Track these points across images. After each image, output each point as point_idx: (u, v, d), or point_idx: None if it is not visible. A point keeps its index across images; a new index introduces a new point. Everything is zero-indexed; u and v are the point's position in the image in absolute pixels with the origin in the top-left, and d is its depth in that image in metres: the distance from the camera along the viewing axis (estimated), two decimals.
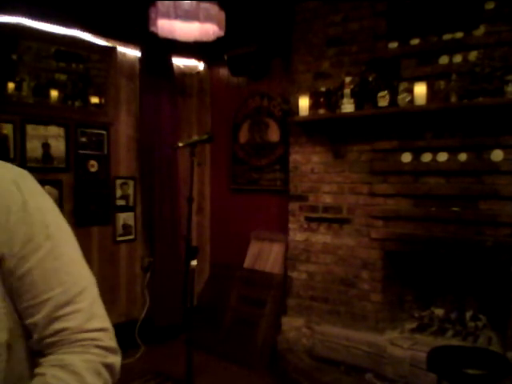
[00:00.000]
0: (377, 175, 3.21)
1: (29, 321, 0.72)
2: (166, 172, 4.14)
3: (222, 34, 2.94)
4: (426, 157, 2.99)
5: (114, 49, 3.94)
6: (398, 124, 3.06)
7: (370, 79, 3.11)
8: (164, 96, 4.13)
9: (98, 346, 0.73)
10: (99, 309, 0.76)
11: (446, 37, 2.90)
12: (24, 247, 0.70)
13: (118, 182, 4.00)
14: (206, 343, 3.81)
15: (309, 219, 3.56)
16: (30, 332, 0.73)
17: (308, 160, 3.55)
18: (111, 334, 0.76)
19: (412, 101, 2.90)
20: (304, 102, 3.38)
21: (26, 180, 0.75)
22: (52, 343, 0.72)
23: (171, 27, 2.89)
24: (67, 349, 0.71)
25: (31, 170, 0.80)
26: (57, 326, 0.71)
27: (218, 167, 4.63)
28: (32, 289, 0.71)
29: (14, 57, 3.35)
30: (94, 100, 3.87)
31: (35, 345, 0.73)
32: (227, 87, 4.52)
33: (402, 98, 2.94)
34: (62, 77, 3.66)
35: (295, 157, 3.63)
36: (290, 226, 3.67)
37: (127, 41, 3.99)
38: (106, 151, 3.91)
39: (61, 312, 0.71)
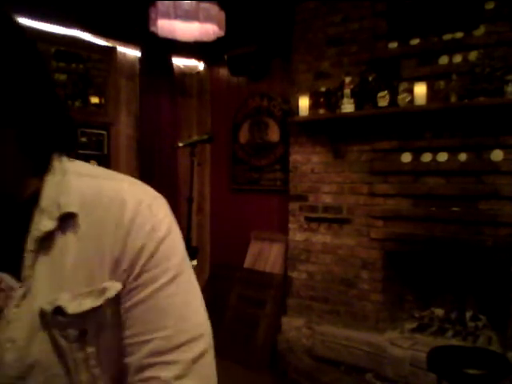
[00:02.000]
0: (377, 175, 3.21)
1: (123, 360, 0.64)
2: (166, 172, 4.14)
3: (222, 33, 2.94)
4: (426, 157, 2.99)
5: (114, 49, 3.94)
6: (398, 124, 3.06)
7: (370, 79, 3.11)
8: (164, 96, 4.13)
9: None
10: (203, 368, 0.64)
11: (446, 37, 2.90)
12: (141, 276, 0.63)
13: None
14: None
15: (309, 219, 3.56)
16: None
17: (308, 160, 3.55)
18: None
19: (412, 101, 2.90)
20: (304, 102, 3.38)
21: (159, 205, 0.69)
22: None
23: (171, 27, 2.89)
24: None
25: None
26: (148, 373, 0.62)
27: (218, 167, 4.63)
28: (135, 325, 0.63)
29: None
30: (94, 100, 3.88)
31: None
32: (227, 87, 4.52)
33: (402, 98, 2.94)
34: (62, 77, 3.66)
35: (295, 157, 3.63)
36: (290, 225, 3.67)
37: (127, 41, 3.99)
38: (106, 151, 3.91)
39: (158, 359, 0.62)
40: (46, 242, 0.61)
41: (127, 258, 0.62)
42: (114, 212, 0.63)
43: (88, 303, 0.61)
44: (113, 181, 0.67)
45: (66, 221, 0.62)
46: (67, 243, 0.62)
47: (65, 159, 0.67)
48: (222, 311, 4.00)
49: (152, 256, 0.63)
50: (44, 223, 0.61)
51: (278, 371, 3.50)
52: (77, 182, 0.65)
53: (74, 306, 0.60)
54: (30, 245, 0.60)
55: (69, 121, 0.67)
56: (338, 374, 3.21)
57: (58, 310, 0.60)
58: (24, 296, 0.60)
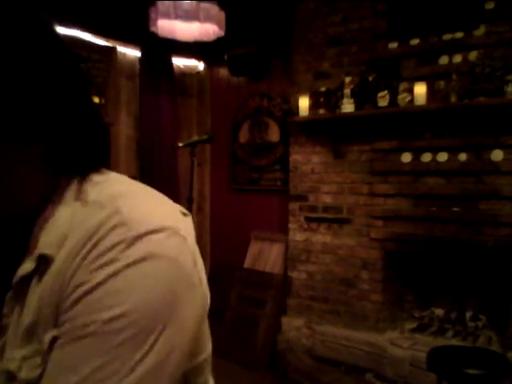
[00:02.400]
0: (377, 175, 3.21)
1: None
2: (166, 172, 4.14)
3: (222, 33, 2.94)
4: (426, 157, 2.99)
5: (114, 49, 3.94)
6: (398, 124, 3.06)
7: (370, 79, 3.11)
8: (164, 96, 4.13)
9: None
10: None
11: (446, 37, 2.90)
12: (63, 324, 0.48)
13: None
14: None
15: (309, 219, 3.56)
16: None
17: (308, 160, 3.55)
18: None
19: (412, 101, 2.90)
20: (304, 102, 3.38)
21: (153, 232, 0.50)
22: None
23: (171, 27, 2.89)
24: None
25: None
26: None
27: (218, 167, 4.63)
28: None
29: None
30: (94, 100, 3.87)
31: None
32: (227, 87, 4.52)
33: (402, 98, 2.94)
34: None
35: (295, 157, 3.63)
36: (290, 226, 3.67)
37: (127, 41, 3.99)
38: None
39: None
40: (23, 286, 0.51)
41: (66, 296, 0.48)
42: (81, 244, 0.48)
43: (34, 364, 0.49)
44: (108, 208, 0.50)
45: (43, 262, 0.50)
46: (36, 290, 0.51)
47: (75, 182, 0.54)
48: (222, 311, 4.00)
49: (85, 295, 0.46)
50: (27, 264, 0.51)
51: (278, 371, 3.50)
52: (72, 215, 0.52)
53: (25, 370, 0.49)
54: (12, 289, 0.52)
55: (103, 138, 0.59)
56: (338, 374, 3.21)
57: (10, 375, 0.50)
58: (2, 350, 0.52)
